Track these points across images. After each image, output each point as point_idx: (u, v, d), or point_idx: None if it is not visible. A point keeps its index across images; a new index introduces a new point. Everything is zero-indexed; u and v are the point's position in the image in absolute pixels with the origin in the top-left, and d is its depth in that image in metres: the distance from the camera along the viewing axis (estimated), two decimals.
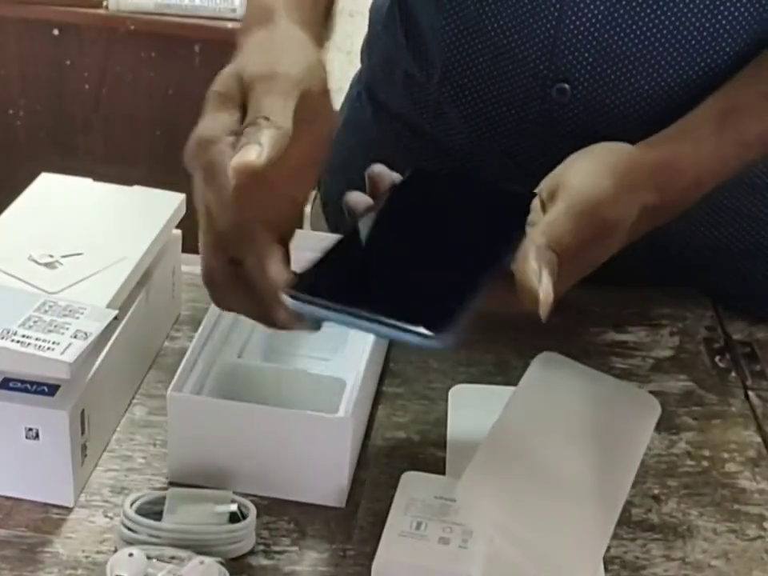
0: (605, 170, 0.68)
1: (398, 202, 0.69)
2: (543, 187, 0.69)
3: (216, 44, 1.88)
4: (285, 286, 0.57)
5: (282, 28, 0.68)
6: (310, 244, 0.86)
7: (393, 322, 0.56)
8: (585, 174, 0.68)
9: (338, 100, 1.16)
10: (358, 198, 0.67)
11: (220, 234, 0.60)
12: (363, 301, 0.57)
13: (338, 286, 0.59)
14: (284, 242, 0.63)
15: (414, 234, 0.66)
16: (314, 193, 1.17)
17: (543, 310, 0.61)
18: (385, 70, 0.97)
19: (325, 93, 0.65)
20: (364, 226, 0.65)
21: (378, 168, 0.69)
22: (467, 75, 0.87)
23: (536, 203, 0.69)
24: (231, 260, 0.60)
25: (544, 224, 0.65)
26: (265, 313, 0.60)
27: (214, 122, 0.60)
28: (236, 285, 0.61)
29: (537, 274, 0.61)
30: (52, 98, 1.94)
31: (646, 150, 0.72)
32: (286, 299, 0.57)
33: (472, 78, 0.87)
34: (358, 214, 0.68)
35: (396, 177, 0.71)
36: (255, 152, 0.57)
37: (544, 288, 0.61)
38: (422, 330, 0.55)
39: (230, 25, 1.87)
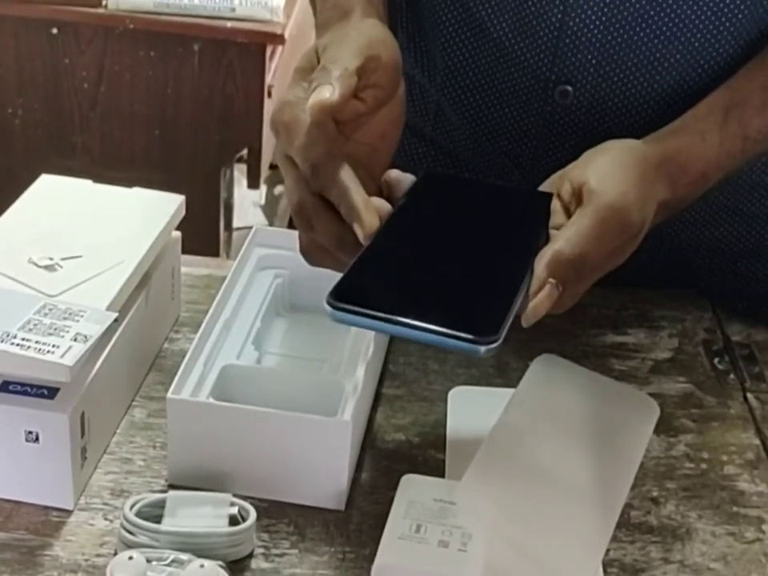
0: (626, 174, 0.67)
1: (418, 206, 0.68)
2: (562, 189, 0.68)
3: (215, 43, 1.88)
4: (326, 296, 0.58)
5: (358, 17, 0.74)
6: None
7: (443, 330, 0.56)
8: (608, 179, 0.66)
9: None
10: (378, 203, 0.66)
11: (301, 174, 0.66)
12: (408, 309, 0.57)
13: (380, 294, 0.60)
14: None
15: (442, 238, 0.66)
16: None
17: (526, 320, 0.62)
18: None
19: (396, 67, 0.69)
20: (390, 231, 0.64)
21: (395, 173, 0.70)
22: (469, 77, 0.87)
23: (557, 205, 0.68)
24: (314, 192, 0.66)
25: (569, 232, 0.64)
26: (346, 235, 0.64)
27: (295, 89, 0.67)
28: (320, 212, 0.66)
29: (540, 283, 0.62)
30: (50, 96, 1.93)
31: (654, 145, 0.72)
32: (327, 309, 0.57)
33: (474, 80, 0.87)
34: (398, 194, 0.68)
35: (411, 178, 0.70)
36: (328, 91, 0.64)
37: (538, 299, 0.62)
38: (472, 337, 0.56)
39: (229, 24, 1.86)
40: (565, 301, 0.64)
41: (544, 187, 0.70)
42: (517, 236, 0.67)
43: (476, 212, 0.70)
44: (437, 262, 0.63)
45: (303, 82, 0.67)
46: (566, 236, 0.64)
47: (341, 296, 0.58)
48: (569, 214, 0.67)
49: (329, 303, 0.57)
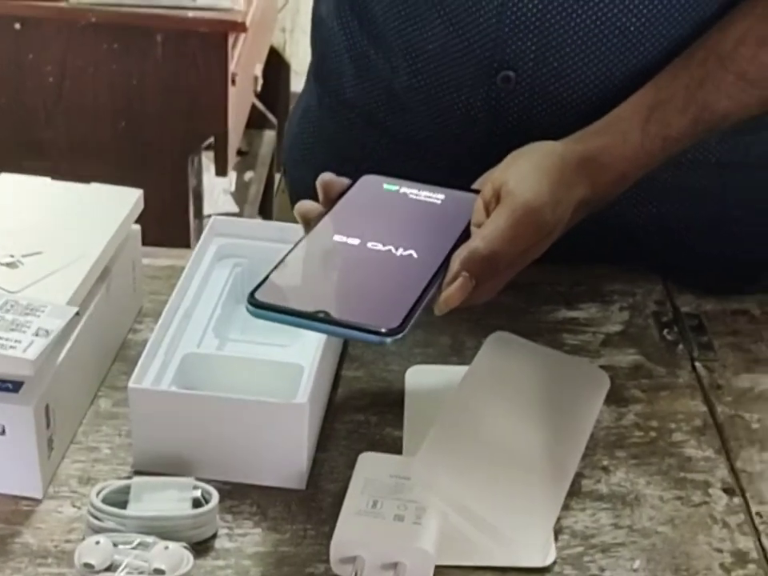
0: (543, 176, 0.71)
1: (347, 208, 0.72)
2: (485, 189, 0.72)
3: (178, 34, 1.89)
4: (246, 296, 0.63)
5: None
6: (270, 234, 0.88)
7: (351, 322, 0.61)
8: (525, 181, 0.71)
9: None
10: (308, 207, 0.72)
11: None
12: (320, 306, 0.61)
13: (296, 292, 0.64)
14: None
15: (364, 238, 0.69)
16: (278, 182, 1.19)
17: (438, 309, 0.66)
18: (334, 58, 0.97)
19: None
20: (316, 234, 0.69)
21: (328, 176, 0.73)
22: (420, 60, 0.89)
23: (479, 204, 0.72)
24: None
25: (486, 231, 0.68)
26: None
27: None
28: None
29: (453, 275, 0.66)
30: (13, 92, 1.94)
31: (573, 146, 0.76)
32: (248, 308, 0.62)
33: (424, 63, 0.89)
34: (310, 223, 0.71)
35: (346, 183, 0.74)
36: None
37: (450, 290, 0.66)
38: (377, 330, 0.60)
39: (190, 14, 1.87)
40: (481, 294, 0.68)
41: (475, 186, 0.75)
42: (438, 236, 0.71)
43: (402, 214, 0.74)
44: (356, 263, 0.67)
45: None
46: (482, 234, 0.68)
47: (260, 294, 0.63)
48: (488, 213, 0.71)
49: (248, 301, 0.62)
